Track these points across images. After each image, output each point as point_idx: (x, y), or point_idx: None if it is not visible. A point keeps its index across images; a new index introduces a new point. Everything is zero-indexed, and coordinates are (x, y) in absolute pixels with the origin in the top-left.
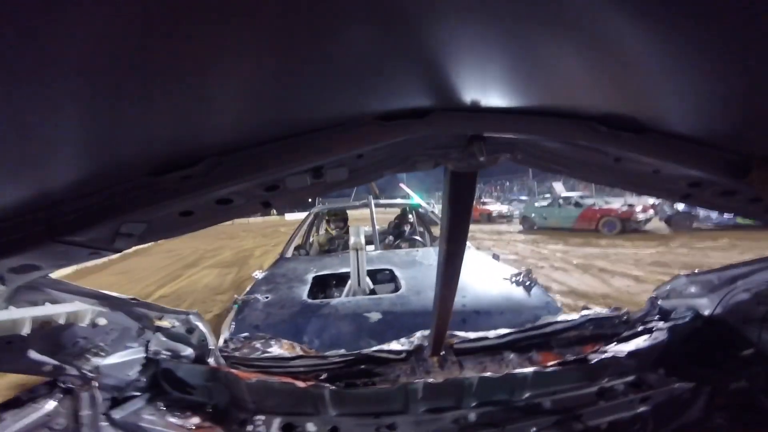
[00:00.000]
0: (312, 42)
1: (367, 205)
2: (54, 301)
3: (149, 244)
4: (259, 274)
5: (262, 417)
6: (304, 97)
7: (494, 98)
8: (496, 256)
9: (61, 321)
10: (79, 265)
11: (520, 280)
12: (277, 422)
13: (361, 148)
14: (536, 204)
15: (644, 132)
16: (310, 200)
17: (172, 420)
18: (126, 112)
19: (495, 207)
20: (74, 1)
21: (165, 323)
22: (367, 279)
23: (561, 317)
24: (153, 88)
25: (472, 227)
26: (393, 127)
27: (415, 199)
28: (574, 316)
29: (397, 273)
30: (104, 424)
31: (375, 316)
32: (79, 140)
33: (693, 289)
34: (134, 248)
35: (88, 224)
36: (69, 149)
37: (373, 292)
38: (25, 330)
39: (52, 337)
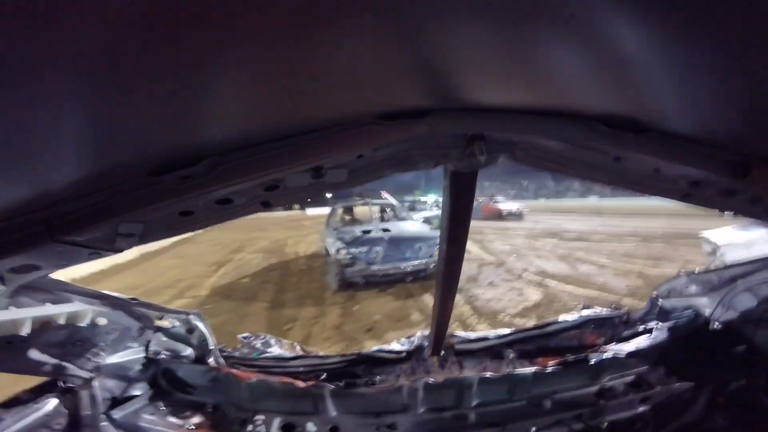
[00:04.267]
0: (312, 42)
1: (366, 204)
2: (54, 301)
3: (194, 233)
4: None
5: (262, 417)
6: (304, 97)
7: (494, 98)
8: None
9: (61, 321)
10: (140, 249)
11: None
12: (277, 422)
13: (361, 148)
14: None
15: (645, 132)
16: (329, 196)
17: (172, 420)
18: (126, 113)
19: (506, 205)
20: (75, 2)
21: (165, 323)
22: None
23: (561, 317)
24: (153, 88)
25: (480, 224)
26: (393, 127)
27: (390, 200)
28: (574, 316)
29: (388, 226)
30: (104, 424)
31: (387, 236)
32: (79, 140)
33: (693, 289)
34: (182, 237)
35: (88, 224)
36: (69, 149)
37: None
38: (25, 330)
39: (52, 337)
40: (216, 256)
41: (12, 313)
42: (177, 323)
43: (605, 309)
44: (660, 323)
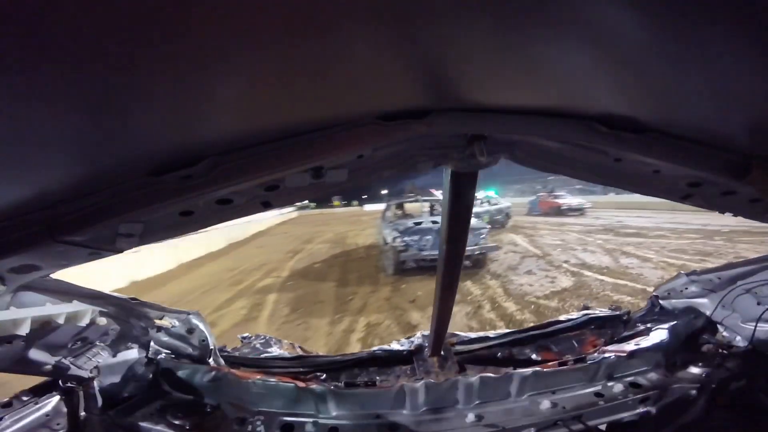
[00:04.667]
0: (312, 42)
1: (417, 200)
2: (54, 301)
3: (268, 227)
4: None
5: (262, 417)
6: (304, 98)
7: (494, 98)
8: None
9: (61, 321)
10: (227, 239)
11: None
12: (277, 422)
13: (361, 148)
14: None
15: (644, 132)
16: (385, 192)
17: (172, 420)
18: (126, 113)
19: (566, 200)
20: (75, 2)
21: (165, 323)
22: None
23: (562, 317)
24: (153, 88)
25: (536, 219)
26: (393, 127)
27: (439, 196)
28: (574, 315)
29: (437, 219)
30: (104, 424)
31: (435, 227)
32: (79, 140)
33: (693, 289)
34: (259, 229)
35: (88, 224)
36: (69, 149)
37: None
38: (25, 330)
39: (52, 337)
40: (290, 246)
41: (12, 313)
42: (177, 323)
43: (605, 309)
44: (660, 324)
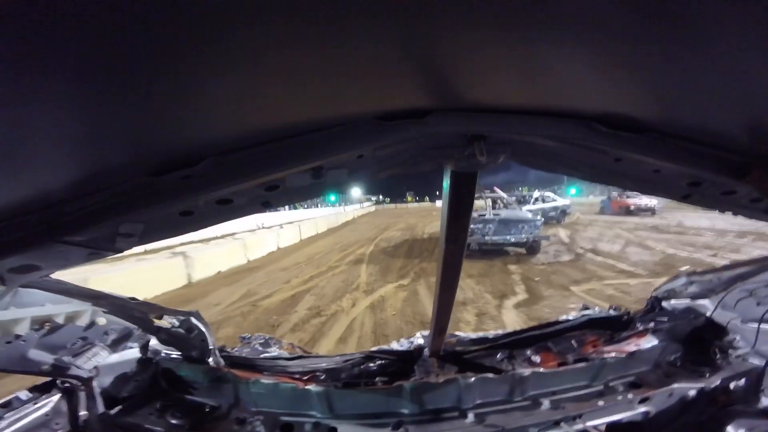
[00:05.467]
0: (312, 43)
1: (481, 197)
2: (54, 301)
3: (353, 218)
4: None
5: (262, 417)
6: (304, 98)
7: (494, 98)
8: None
9: (61, 321)
10: (327, 225)
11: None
12: (276, 422)
13: (361, 148)
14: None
15: (644, 132)
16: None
17: (172, 420)
18: (126, 113)
19: (637, 200)
20: (76, 2)
21: (165, 323)
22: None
23: (562, 317)
24: (153, 88)
25: (599, 217)
26: (393, 127)
27: (500, 193)
28: (574, 315)
29: (498, 212)
30: (104, 424)
31: (497, 218)
32: (79, 140)
33: (693, 289)
34: (348, 219)
35: (88, 224)
36: (69, 149)
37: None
38: (25, 330)
39: (52, 337)
40: (372, 233)
41: (12, 313)
42: (176, 323)
43: (605, 309)
44: (660, 324)
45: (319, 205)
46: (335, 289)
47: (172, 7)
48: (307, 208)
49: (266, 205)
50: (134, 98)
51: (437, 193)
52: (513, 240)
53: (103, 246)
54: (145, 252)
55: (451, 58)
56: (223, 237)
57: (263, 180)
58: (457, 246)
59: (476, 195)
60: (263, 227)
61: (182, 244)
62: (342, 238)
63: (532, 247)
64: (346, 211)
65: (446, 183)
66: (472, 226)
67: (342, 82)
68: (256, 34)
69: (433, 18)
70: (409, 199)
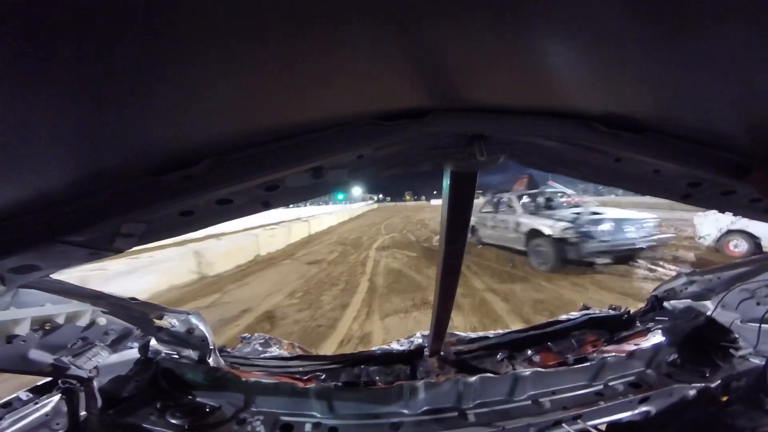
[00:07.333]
0: (311, 42)
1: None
2: (54, 301)
3: (364, 211)
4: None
5: (262, 417)
6: (304, 98)
7: (494, 98)
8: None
9: (61, 321)
10: (349, 214)
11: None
12: (276, 422)
13: (360, 148)
14: None
15: (644, 132)
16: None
17: (172, 420)
18: (126, 113)
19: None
20: (76, 2)
21: (165, 323)
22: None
23: (562, 317)
24: (153, 88)
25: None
26: (392, 127)
27: (559, 187)
28: (574, 315)
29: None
30: (104, 424)
31: (607, 217)
32: (79, 141)
33: (693, 289)
34: (360, 212)
35: (88, 224)
36: (69, 150)
37: None
38: (25, 330)
39: (52, 337)
40: (379, 220)
41: (12, 313)
42: (177, 323)
43: (605, 309)
44: (660, 323)
45: (328, 202)
46: (370, 235)
47: (172, 8)
48: (319, 205)
49: (266, 206)
50: (134, 98)
51: (434, 192)
52: (639, 245)
53: (103, 246)
54: (245, 230)
55: (451, 58)
56: (279, 223)
57: (263, 180)
58: (457, 246)
59: (536, 190)
60: (302, 218)
61: (255, 227)
62: (362, 222)
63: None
64: (352, 207)
65: (446, 183)
66: (568, 230)
67: (342, 83)
68: (256, 35)
69: (432, 17)
70: (408, 198)
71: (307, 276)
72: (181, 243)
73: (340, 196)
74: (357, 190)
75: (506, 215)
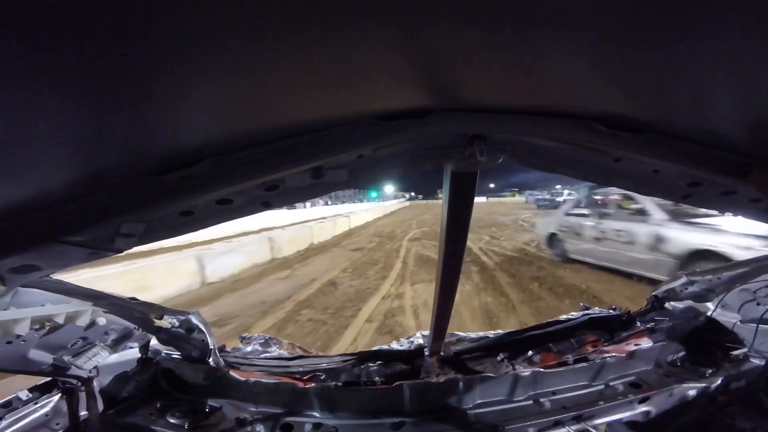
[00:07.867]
0: (311, 43)
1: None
2: (54, 301)
3: (397, 208)
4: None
5: (262, 417)
6: (304, 98)
7: (494, 98)
8: None
9: (61, 321)
10: (383, 211)
11: None
12: (277, 422)
13: (360, 149)
14: None
15: (644, 132)
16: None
17: (172, 420)
18: (126, 113)
19: None
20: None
21: (165, 323)
22: None
23: (562, 317)
24: (153, 88)
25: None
26: (392, 127)
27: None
28: (574, 315)
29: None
30: (104, 424)
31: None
32: (79, 141)
33: (693, 289)
34: (393, 210)
35: (88, 224)
36: (69, 150)
37: None
38: (25, 330)
39: (52, 337)
40: (411, 216)
41: (12, 313)
42: (176, 323)
43: (605, 309)
44: (660, 324)
45: (363, 200)
46: (403, 229)
47: (172, 8)
48: (354, 202)
49: (266, 206)
50: (134, 98)
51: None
52: None
53: (103, 246)
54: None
55: (451, 58)
56: (325, 218)
57: (263, 180)
58: (457, 247)
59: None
60: (342, 214)
61: (309, 220)
62: (395, 218)
63: None
64: (386, 205)
65: (446, 183)
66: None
67: (342, 83)
68: (256, 35)
69: (432, 18)
70: (440, 195)
71: (353, 259)
72: (257, 231)
73: (374, 194)
74: (389, 188)
75: (623, 222)
